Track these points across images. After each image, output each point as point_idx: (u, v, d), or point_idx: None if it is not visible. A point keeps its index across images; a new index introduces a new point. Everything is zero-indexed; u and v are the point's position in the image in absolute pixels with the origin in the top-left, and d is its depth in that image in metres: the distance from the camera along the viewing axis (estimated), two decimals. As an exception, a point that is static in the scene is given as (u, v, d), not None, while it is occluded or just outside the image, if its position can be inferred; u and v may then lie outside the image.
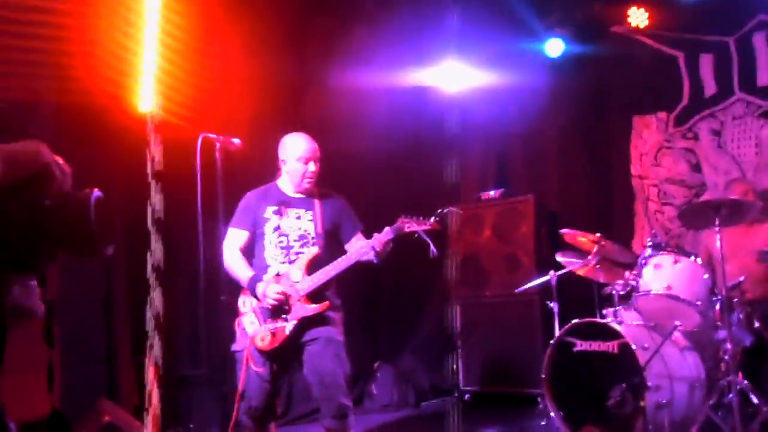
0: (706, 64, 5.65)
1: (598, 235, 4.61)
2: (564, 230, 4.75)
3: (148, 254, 4.24)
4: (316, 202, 3.62)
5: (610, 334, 4.16)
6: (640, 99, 6.08)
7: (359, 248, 3.49)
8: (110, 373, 4.23)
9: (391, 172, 6.24)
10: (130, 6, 4.44)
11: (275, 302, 3.39)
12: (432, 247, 3.43)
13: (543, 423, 4.54)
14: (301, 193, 3.63)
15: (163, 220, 4.30)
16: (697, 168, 5.73)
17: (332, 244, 3.63)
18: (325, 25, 5.83)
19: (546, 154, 6.54)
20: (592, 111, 6.29)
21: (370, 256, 3.46)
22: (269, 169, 3.72)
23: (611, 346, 4.13)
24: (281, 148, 3.64)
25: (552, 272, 4.83)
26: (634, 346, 3.98)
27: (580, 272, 4.76)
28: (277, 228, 3.55)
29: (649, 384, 3.85)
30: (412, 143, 6.23)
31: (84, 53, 4.01)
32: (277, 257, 3.54)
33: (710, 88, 5.64)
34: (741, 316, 4.15)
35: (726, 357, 3.98)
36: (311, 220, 3.58)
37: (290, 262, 3.51)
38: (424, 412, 6.13)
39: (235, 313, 3.53)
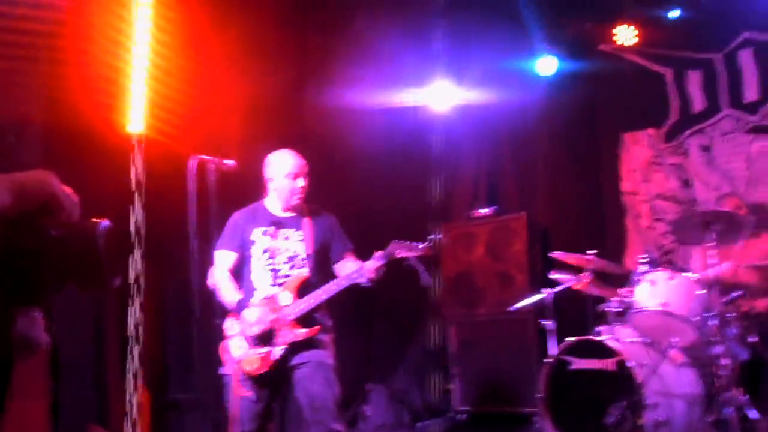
0: (694, 80, 5.70)
1: (590, 252, 4.60)
2: (556, 253, 4.74)
3: (131, 274, 4.19)
4: (306, 221, 3.57)
5: (606, 351, 4.13)
6: (629, 116, 6.12)
7: (350, 273, 3.45)
8: (100, 398, 4.14)
9: (382, 192, 6.22)
10: (119, 26, 4.41)
11: (262, 330, 3.34)
12: (424, 275, 3.40)
13: (540, 442, 4.48)
14: (290, 211, 3.59)
15: (149, 239, 4.25)
16: (687, 184, 5.75)
17: (322, 264, 3.59)
18: (315, 44, 5.84)
19: (537, 172, 6.54)
20: (582, 128, 6.32)
21: (361, 280, 3.42)
22: (260, 188, 3.68)
23: (608, 363, 4.10)
24: (267, 166, 3.60)
25: (547, 290, 4.81)
26: (631, 364, 3.96)
27: (576, 287, 4.74)
28: (266, 250, 3.50)
29: (647, 402, 3.82)
30: (403, 162, 6.22)
31: (72, 74, 3.98)
32: (265, 280, 3.49)
33: (698, 104, 5.69)
34: (737, 330, 4.14)
35: (723, 372, 3.97)
36: (301, 241, 3.54)
37: (279, 285, 3.47)
38: (419, 432, 6.06)
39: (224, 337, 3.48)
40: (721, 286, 4.10)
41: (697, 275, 4.30)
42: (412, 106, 6.41)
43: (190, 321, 3.07)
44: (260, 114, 5.11)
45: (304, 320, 3.41)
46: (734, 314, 4.19)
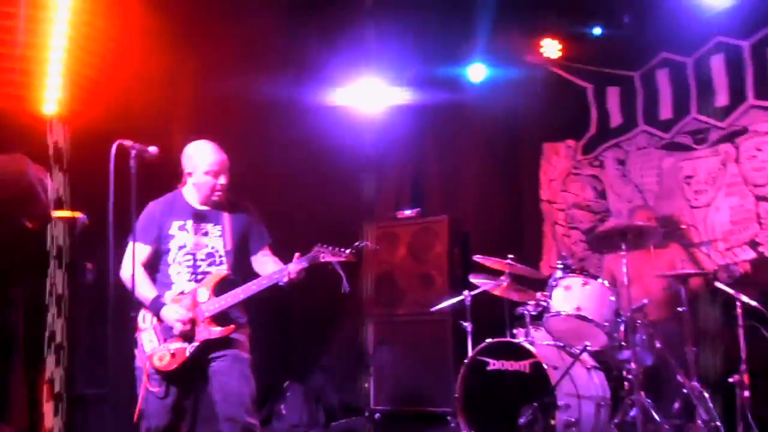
0: (613, 96, 5.94)
1: (509, 257, 4.73)
2: (477, 256, 4.85)
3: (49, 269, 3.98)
4: (225, 216, 3.48)
5: (522, 353, 4.25)
6: (550, 127, 6.31)
7: (272, 274, 3.39)
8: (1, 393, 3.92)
9: (308, 189, 6.18)
10: (37, 4, 4.21)
11: (180, 330, 3.26)
12: (345, 282, 3.39)
13: (455, 442, 4.56)
14: (209, 205, 3.50)
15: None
16: (602, 195, 5.99)
17: (242, 261, 3.52)
18: (243, 37, 5.72)
19: (461, 176, 6.66)
20: (507, 136, 6.47)
21: (281, 282, 3.37)
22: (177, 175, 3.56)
23: (523, 365, 4.22)
24: (186, 158, 3.46)
25: (466, 292, 4.91)
26: (545, 366, 4.08)
27: (495, 292, 4.86)
28: (184, 246, 3.40)
29: (559, 403, 3.95)
30: (329, 161, 6.20)
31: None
32: (182, 275, 3.39)
33: (616, 119, 5.93)
34: (644, 336, 4.34)
35: (630, 376, 4.15)
36: (220, 236, 3.45)
37: (197, 281, 3.38)
38: (334, 432, 6.06)
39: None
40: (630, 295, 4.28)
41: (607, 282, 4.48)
42: (341, 105, 6.40)
43: (105, 313, 2.94)
44: (186, 103, 4.98)
45: (220, 318, 3.34)
46: (641, 321, 4.39)
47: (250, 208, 3.62)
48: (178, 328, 3.27)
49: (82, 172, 4.08)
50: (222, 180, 3.43)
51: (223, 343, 3.34)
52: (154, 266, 3.44)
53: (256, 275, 3.48)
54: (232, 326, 3.35)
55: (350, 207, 6.41)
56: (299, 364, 6.49)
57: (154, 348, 3.30)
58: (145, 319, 3.36)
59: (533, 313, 4.56)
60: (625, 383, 4.21)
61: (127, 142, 3.02)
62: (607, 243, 4.83)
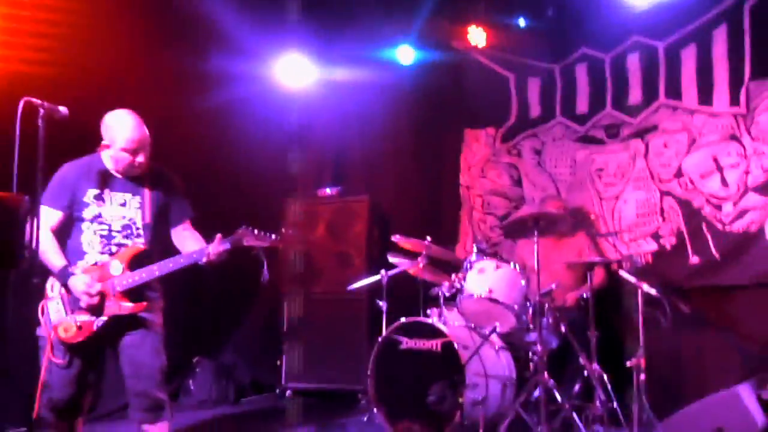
0: (534, 87, 6.09)
1: (428, 238, 4.80)
2: (396, 236, 4.89)
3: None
4: (146, 186, 3.34)
5: (434, 333, 4.33)
6: (472, 113, 6.41)
7: (191, 253, 3.29)
8: None
9: (229, 163, 6.05)
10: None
11: (87, 303, 3.14)
12: (265, 270, 3.34)
13: (365, 419, 4.62)
14: (129, 175, 3.34)
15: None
16: (518, 182, 6.15)
17: (160, 235, 3.39)
18: (166, 6, 5.51)
19: (383, 157, 6.69)
20: (430, 120, 6.53)
21: (201, 261, 3.26)
22: (95, 142, 3.40)
23: (435, 344, 4.30)
24: (104, 127, 3.28)
25: (383, 271, 4.95)
26: (456, 345, 4.18)
27: (410, 272, 4.92)
28: (98, 216, 3.26)
29: (468, 382, 4.06)
30: (252, 136, 6.08)
31: None
32: (95, 245, 3.25)
33: (535, 109, 6.09)
34: (550, 320, 4.50)
35: (535, 358, 4.30)
36: (138, 208, 3.32)
37: (111, 253, 3.25)
38: (243, 408, 6.00)
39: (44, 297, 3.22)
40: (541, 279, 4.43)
41: (518, 267, 4.62)
42: (268, 81, 6.28)
43: (5, 281, 2.78)
44: (106, 64, 4.75)
45: (132, 294, 3.23)
46: (548, 305, 4.56)
47: (173, 180, 3.48)
48: (84, 300, 3.14)
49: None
50: (140, 158, 3.27)
51: (133, 321, 3.23)
52: (64, 233, 3.26)
53: (174, 250, 3.37)
54: (144, 303, 3.24)
55: (271, 183, 6.32)
56: (210, 340, 6.39)
57: (60, 318, 3.17)
58: (53, 288, 3.21)
59: (447, 294, 4.65)
60: (531, 364, 4.37)
61: (36, 100, 2.85)
62: (519, 229, 4.98)
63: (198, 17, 5.58)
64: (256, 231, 3.30)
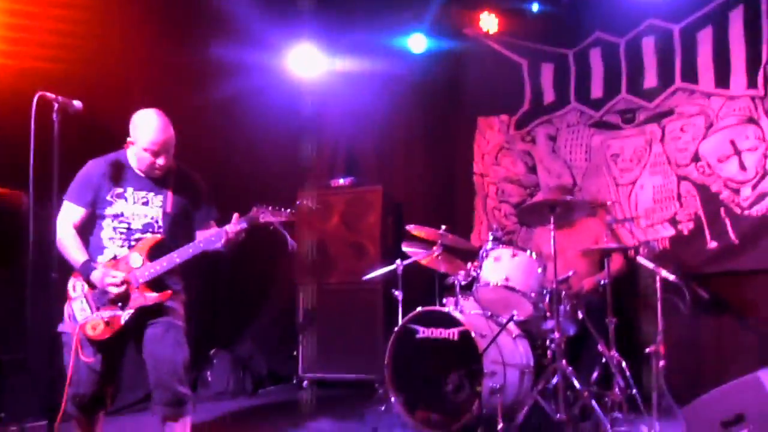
0: (547, 73, 6.03)
1: (442, 227, 4.78)
2: (410, 226, 4.88)
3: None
4: (170, 185, 3.34)
5: (451, 322, 4.32)
6: (485, 101, 6.36)
7: (209, 236, 3.28)
8: None
9: (242, 154, 6.07)
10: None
11: (114, 294, 3.14)
12: (290, 240, 3.33)
13: (382, 408, 4.62)
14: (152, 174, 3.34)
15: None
16: (532, 170, 6.11)
17: (180, 228, 3.38)
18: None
19: (396, 147, 6.67)
20: (443, 108, 6.50)
21: (219, 245, 3.27)
22: (112, 137, 3.41)
23: (452, 333, 4.29)
24: (132, 126, 3.27)
25: (398, 261, 4.94)
26: (473, 334, 4.16)
27: (424, 262, 4.91)
28: (120, 215, 3.26)
29: (486, 370, 4.04)
30: (265, 126, 6.09)
31: None
32: (115, 240, 3.26)
33: (549, 95, 6.03)
34: (567, 307, 4.48)
35: (553, 345, 4.29)
36: (161, 207, 3.31)
37: (130, 247, 3.26)
38: (261, 399, 6.03)
39: (66, 292, 3.23)
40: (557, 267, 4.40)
41: (535, 254, 4.59)
42: (280, 72, 6.27)
43: (25, 275, 2.79)
44: (120, 59, 4.76)
45: (155, 284, 3.23)
46: (565, 292, 4.53)
47: (198, 183, 3.47)
48: (112, 291, 3.14)
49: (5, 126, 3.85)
50: (161, 161, 3.26)
51: (158, 310, 3.24)
52: (86, 229, 3.28)
53: None
54: (169, 291, 3.25)
55: (284, 174, 6.33)
56: (227, 332, 6.43)
57: (86, 317, 3.17)
58: (75, 287, 3.22)
59: (463, 283, 4.63)
60: (548, 352, 4.34)
61: (50, 95, 2.85)
62: (535, 216, 4.95)
63: (210, 9, 5.58)
64: (270, 207, 3.28)
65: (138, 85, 4.68)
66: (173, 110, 3.38)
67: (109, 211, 3.26)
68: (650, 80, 5.48)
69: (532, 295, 4.36)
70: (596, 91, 5.75)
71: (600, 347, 4.35)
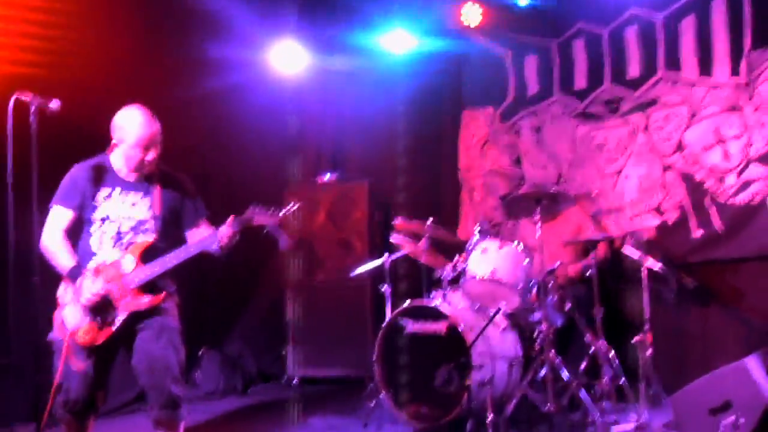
0: (531, 64, 6.03)
1: (429, 220, 4.78)
2: (397, 220, 4.88)
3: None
4: (156, 187, 3.32)
5: (439, 315, 4.32)
6: (470, 94, 6.36)
7: (203, 239, 3.26)
8: None
9: (226, 152, 6.03)
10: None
11: (93, 303, 3.11)
12: (283, 240, 3.31)
13: (372, 404, 4.62)
14: (138, 175, 3.32)
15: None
16: (518, 162, 6.11)
17: (171, 230, 3.36)
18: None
19: (381, 142, 6.65)
20: (426, 103, 6.48)
21: (214, 248, 3.26)
22: (93, 138, 3.38)
23: (440, 327, 4.29)
24: (115, 126, 3.25)
25: (386, 255, 4.93)
26: (461, 328, 4.17)
27: (413, 255, 4.90)
28: (107, 217, 3.23)
29: (474, 363, 4.05)
30: (249, 123, 6.05)
31: None
32: (105, 244, 3.23)
33: (533, 87, 6.03)
34: (555, 298, 4.49)
35: (541, 336, 4.30)
36: (149, 208, 3.29)
37: (122, 250, 3.23)
38: (251, 398, 6.01)
39: (49, 295, 3.20)
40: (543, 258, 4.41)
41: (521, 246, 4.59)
42: (261, 66, 6.23)
43: (6, 280, 2.76)
44: (100, 57, 4.71)
45: (148, 287, 3.21)
46: (552, 284, 4.54)
47: (184, 182, 3.45)
48: (87, 299, 3.10)
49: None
50: (151, 155, 3.25)
51: (152, 312, 3.22)
52: (74, 234, 3.25)
53: None
54: (162, 294, 3.23)
55: (269, 170, 6.30)
56: (216, 331, 6.39)
57: (77, 323, 3.14)
58: (67, 293, 3.20)
59: (451, 276, 4.63)
60: (536, 343, 4.35)
61: (26, 96, 2.81)
62: (521, 208, 4.95)
63: (191, 5, 5.53)
64: (265, 209, 3.27)
65: (119, 84, 4.63)
66: (155, 108, 3.35)
67: (96, 215, 3.23)
68: (634, 70, 5.48)
69: (519, 286, 4.36)
70: (580, 81, 5.75)
71: (588, 337, 4.37)
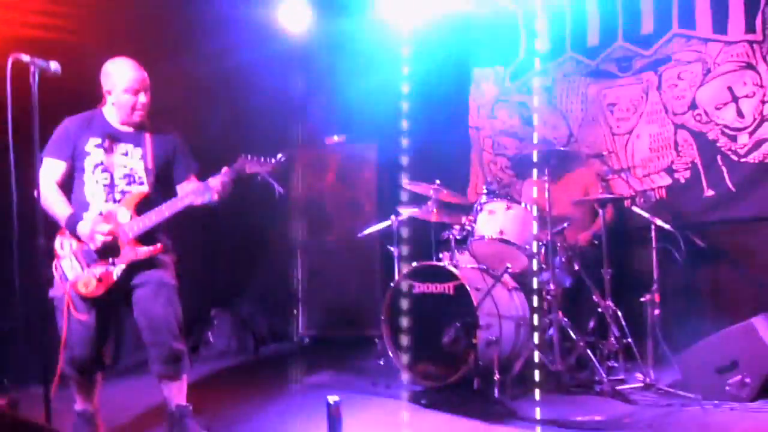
0: (543, 21, 5.90)
1: (437, 182, 4.75)
2: (405, 182, 4.86)
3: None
4: (147, 137, 3.33)
5: (446, 276, 4.33)
6: (480, 53, 6.25)
7: (196, 188, 3.29)
8: None
9: (232, 111, 5.99)
10: None
11: (103, 244, 3.13)
12: (277, 187, 3.33)
13: (381, 363, 4.66)
14: (130, 125, 3.34)
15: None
16: (529, 121, 6.03)
17: (163, 182, 3.38)
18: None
19: (390, 102, 6.56)
20: (436, 61, 6.37)
21: (207, 198, 3.26)
22: (93, 99, 3.36)
23: (447, 287, 4.30)
24: (104, 76, 3.28)
25: (394, 217, 4.93)
26: (468, 287, 4.17)
27: (422, 217, 4.89)
28: (100, 164, 3.24)
29: (481, 323, 4.06)
30: (256, 84, 6.00)
31: None
32: (99, 195, 3.25)
33: (544, 45, 5.91)
34: (563, 259, 4.47)
35: (549, 297, 4.30)
36: (141, 158, 3.30)
37: (115, 201, 3.25)
38: (263, 357, 6.10)
39: (54, 257, 3.23)
40: (551, 218, 4.38)
41: (529, 206, 4.56)
42: (269, 25, 6.15)
43: (10, 243, 2.77)
44: (94, 13, 4.65)
45: (145, 238, 3.24)
46: (560, 244, 4.52)
47: (175, 134, 3.47)
48: (99, 240, 3.13)
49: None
50: (142, 98, 3.27)
51: (149, 264, 3.25)
52: (68, 185, 3.27)
53: None
54: (160, 246, 3.26)
55: (277, 132, 6.27)
56: (227, 292, 6.46)
57: (77, 275, 3.18)
58: (63, 246, 3.23)
59: (458, 237, 4.63)
60: (544, 303, 4.36)
61: (25, 57, 2.78)
62: (530, 168, 4.90)
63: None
64: (256, 158, 3.29)
65: (122, 45, 4.57)
66: (160, 68, 3.33)
67: (89, 162, 3.25)
68: (647, 27, 5.36)
69: (527, 247, 4.34)
70: (592, 39, 5.63)
71: (595, 298, 4.36)
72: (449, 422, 3.72)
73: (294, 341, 6.36)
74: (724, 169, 4.98)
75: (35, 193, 2.93)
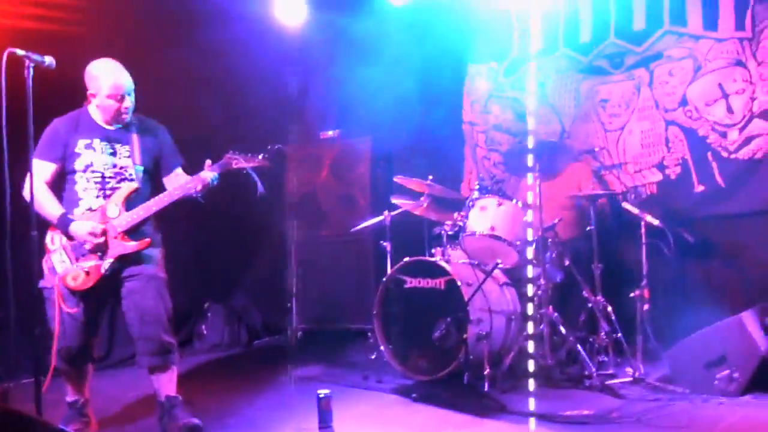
0: (536, 17, 5.92)
1: (429, 178, 4.78)
2: (398, 177, 4.88)
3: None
4: (134, 136, 3.39)
5: (438, 271, 4.36)
6: (475, 48, 6.27)
7: (184, 183, 3.34)
8: None
9: (227, 106, 5.99)
10: None
11: (91, 244, 3.18)
12: (259, 185, 3.36)
13: (373, 357, 4.69)
14: (116, 125, 3.38)
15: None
16: (522, 117, 6.05)
17: (152, 177, 3.45)
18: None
19: (384, 97, 6.57)
20: (431, 57, 6.40)
21: (193, 192, 3.31)
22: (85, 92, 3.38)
23: (439, 282, 4.33)
24: (89, 78, 3.32)
25: (386, 212, 4.95)
26: (459, 283, 4.20)
27: (415, 212, 4.92)
28: (90, 165, 3.30)
29: (472, 317, 4.10)
30: (250, 77, 6.00)
31: None
32: (90, 192, 3.30)
33: (538, 41, 5.93)
34: (554, 255, 4.51)
35: (539, 292, 4.33)
36: (128, 156, 3.36)
37: (105, 197, 3.30)
38: (256, 350, 6.13)
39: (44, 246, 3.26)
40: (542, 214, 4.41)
41: (520, 203, 4.59)
42: (266, 19, 6.15)
43: (2, 234, 2.79)
44: (88, 10, 4.66)
45: (133, 233, 3.29)
46: (551, 240, 4.55)
47: (160, 130, 3.52)
48: (90, 241, 3.18)
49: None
50: (127, 102, 3.33)
51: (138, 258, 3.30)
52: (59, 186, 3.32)
53: None
54: (147, 240, 3.31)
55: (271, 126, 6.27)
56: (221, 285, 6.48)
57: (66, 268, 3.23)
58: (53, 240, 3.27)
59: (450, 232, 4.66)
60: (535, 298, 4.39)
61: (20, 51, 2.80)
62: (523, 163, 4.93)
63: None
64: (242, 154, 3.36)
65: (117, 38, 4.58)
66: (154, 62, 3.35)
67: (79, 163, 3.30)
68: (639, 23, 5.38)
69: (518, 243, 4.38)
70: (585, 35, 5.66)
71: (585, 293, 4.40)
72: (439, 416, 3.75)
73: (287, 334, 6.38)
74: (714, 165, 5.02)
75: (24, 193, 2.96)
